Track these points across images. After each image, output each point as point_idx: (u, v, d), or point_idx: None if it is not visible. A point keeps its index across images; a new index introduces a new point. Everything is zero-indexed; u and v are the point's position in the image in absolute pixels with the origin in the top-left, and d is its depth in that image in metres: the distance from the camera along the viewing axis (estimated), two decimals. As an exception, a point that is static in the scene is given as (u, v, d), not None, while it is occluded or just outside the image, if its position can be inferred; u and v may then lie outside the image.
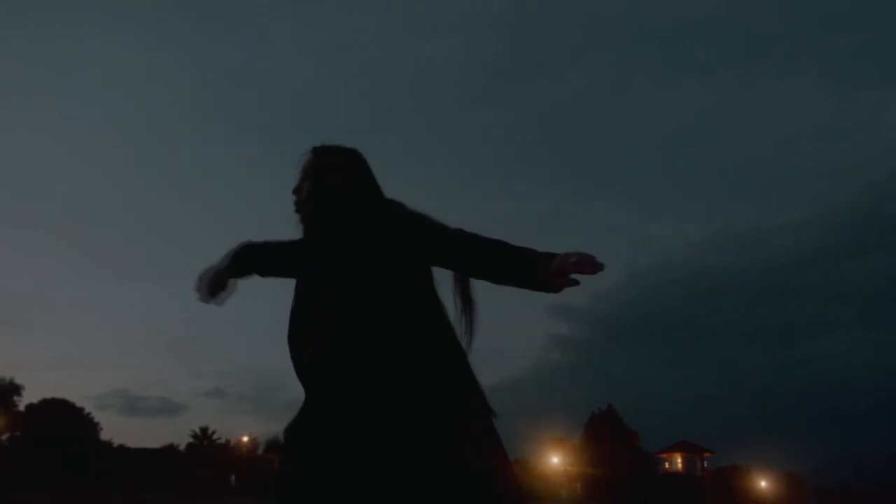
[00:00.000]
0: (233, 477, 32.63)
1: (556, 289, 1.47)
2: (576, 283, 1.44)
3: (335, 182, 1.79)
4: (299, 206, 1.83)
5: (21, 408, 41.88)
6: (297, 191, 1.83)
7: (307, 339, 1.63)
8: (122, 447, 38.21)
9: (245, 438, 44.66)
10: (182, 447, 42.49)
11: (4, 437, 39.94)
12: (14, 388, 42.43)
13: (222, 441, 46.81)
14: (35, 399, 42.35)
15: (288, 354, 1.68)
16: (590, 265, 1.40)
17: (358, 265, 1.64)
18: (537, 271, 1.45)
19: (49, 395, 42.82)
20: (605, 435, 44.05)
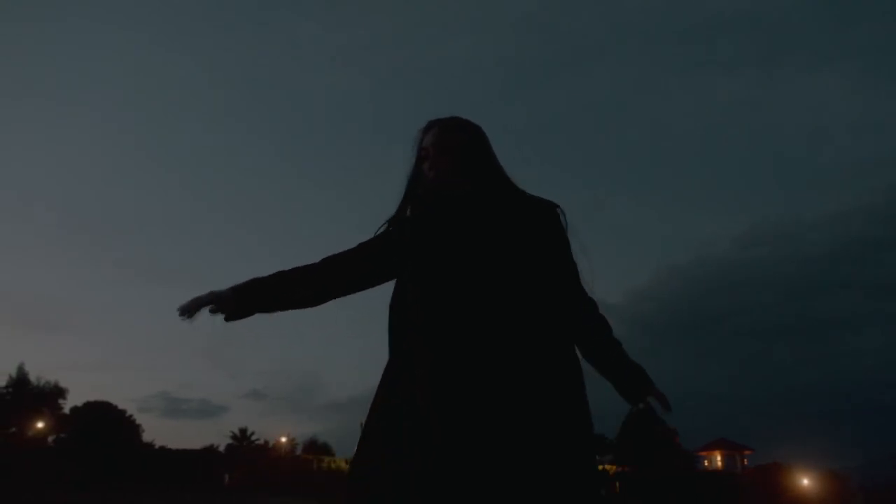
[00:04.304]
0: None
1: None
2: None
3: (480, 161, 1.73)
4: (434, 182, 1.70)
5: (66, 410, 42.90)
6: (433, 165, 1.71)
7: (487, 330, 1.52)
8: (163, 448, 38.82)
9: (283, 439, 45.09)
10: (222, 448, 43.01)
11: (51, 438, 40.89)
12: (59, 391, 43.44)
13: (260, 442, 47.29)
14: (79, 402, 43.48)
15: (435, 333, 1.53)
16: (667, 406, 1.68)
17: (527, 262, 1.59)
18: (642, 391, 1.68)
19: (92, 397, 43.91)
20: (642, 433, 43.37)
